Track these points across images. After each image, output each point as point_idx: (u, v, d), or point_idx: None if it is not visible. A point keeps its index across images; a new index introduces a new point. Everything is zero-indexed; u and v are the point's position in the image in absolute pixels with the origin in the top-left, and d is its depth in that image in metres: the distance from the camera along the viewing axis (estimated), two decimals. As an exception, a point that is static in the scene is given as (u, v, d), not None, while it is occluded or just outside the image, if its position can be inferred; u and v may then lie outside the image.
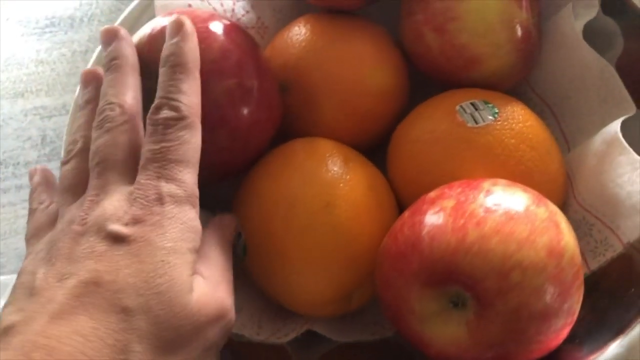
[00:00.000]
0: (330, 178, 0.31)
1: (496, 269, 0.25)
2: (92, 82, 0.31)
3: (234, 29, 0.33)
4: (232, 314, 0.27)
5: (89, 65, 0.39)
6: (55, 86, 0.54)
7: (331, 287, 0.31)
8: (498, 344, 0.25)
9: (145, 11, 0.39)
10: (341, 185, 0.31)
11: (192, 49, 0.29)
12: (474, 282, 0.25)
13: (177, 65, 0.28)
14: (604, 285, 0.32)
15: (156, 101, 0.27)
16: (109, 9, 0.56)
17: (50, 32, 0.56)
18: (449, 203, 0.27)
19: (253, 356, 0.35)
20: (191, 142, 0.27)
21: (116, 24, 0.39)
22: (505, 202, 0.26)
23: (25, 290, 0.24)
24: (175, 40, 0.29)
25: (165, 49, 0.29)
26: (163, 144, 0.26)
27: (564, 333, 0.26)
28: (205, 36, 0.31)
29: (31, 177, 0.31)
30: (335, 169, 0.32)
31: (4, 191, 0.50)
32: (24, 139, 0.51)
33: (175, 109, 0.27)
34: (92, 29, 0.56)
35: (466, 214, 0.26)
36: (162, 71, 0.28)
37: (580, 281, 0.27)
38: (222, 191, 0.36)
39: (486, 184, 0.28)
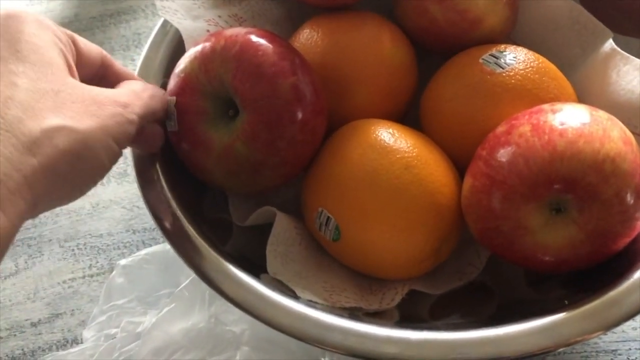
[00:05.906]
0: (398, 145, 0.34)
1: (591, 164, 0.29)
2: None
3: (269, 34, 0.35)
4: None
5: None
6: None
7: (428, 242, 0.34)
8: (607, 229, 0.29)
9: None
10: (409, 148, 0.34)
11: None
12: (574, 181, 0.29)
13: None
14: None
15: None
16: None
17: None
18: (526, 128, 0.31)
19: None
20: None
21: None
22: (572, 114, 0.31)
23: None
24: None
25: None
26: None
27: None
28: (256, 45, 0.33)
29: None
30: (397, 137, 0.35)
31: None
32: None
33: None
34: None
35: (546, 130, 0.30)
36: None
37: None
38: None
39: (546, 106, 0.32)
